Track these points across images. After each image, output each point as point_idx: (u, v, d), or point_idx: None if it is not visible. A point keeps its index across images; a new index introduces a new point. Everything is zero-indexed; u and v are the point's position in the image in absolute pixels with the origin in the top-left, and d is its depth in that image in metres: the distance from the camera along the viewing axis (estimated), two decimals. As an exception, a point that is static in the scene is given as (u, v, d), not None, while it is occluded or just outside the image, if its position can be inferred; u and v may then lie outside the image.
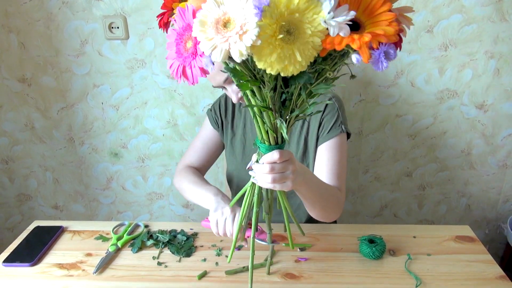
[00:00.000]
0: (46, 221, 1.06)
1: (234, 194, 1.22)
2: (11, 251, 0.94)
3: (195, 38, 0.51)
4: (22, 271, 0.89)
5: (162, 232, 1.00)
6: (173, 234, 1.00)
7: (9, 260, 0.91)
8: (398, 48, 0.54)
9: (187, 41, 0.53)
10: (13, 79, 1.49)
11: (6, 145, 1.60)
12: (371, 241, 0.91)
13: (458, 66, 1.40)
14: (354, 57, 0.51)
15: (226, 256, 0.92)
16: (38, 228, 1.03)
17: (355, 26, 0.51)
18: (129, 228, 1.02)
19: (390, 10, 0.51)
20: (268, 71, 0.50)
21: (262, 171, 0.68)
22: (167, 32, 0.61)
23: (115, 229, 1.02)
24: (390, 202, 1.67)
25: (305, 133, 1.05)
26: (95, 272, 0.87)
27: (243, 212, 0.76)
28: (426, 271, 0.86)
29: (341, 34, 0.49)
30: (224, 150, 1.18)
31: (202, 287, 0.84)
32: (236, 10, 0.48)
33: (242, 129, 1.11)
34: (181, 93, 1.49)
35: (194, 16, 0.52)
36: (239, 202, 0.80)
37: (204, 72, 0.53)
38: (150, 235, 0.99)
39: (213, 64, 0.51)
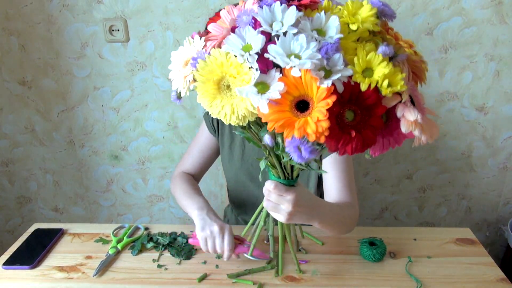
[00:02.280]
0: (46, 224, 1.06)
1: (232, 199, 1.21)
2: (11, 253, 0.94)
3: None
4: (22, 273, 0.89)
5: (162, 234, 1.00)
6: (173, 236, 1.00)
7: (9, 262, 0.91)
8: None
9: None
10: (13, 82, 1.49)
11: (7, 148, 1.60)
12: (372, 243, 0.91)
13: (458, 69, 1.41)
14: (266, 137, 0.57)
15: (226, 259, 0.92)
16: (38, 230, 1.03)
17: (305, 106, 0.51)
18: (129, 231, 1.02)
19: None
20: (209, 110, 0.57)
21: (265, 195, 0.72)
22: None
23: (115, 231, 1.02)
24: (390, 204, 1.66)
25: None
26: (95, 275, 0.87)
27: (257, 225, 0.80)
28: (427, 274, 0.86)
29: (260, 109, 0.51)
30: (220, 155, 1.15)
31: (202, 289, 0.83)
32: (192, 56, 0.58)
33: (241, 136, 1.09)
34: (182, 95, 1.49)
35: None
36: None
37: None
38: (150, 238, 0.99)
39: (179, 101, 0.65)
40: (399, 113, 0.52)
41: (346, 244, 0.95)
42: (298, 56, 0.50)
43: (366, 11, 0.53)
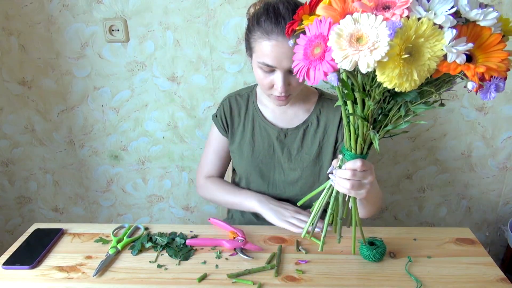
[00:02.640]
0: (46, 224, 1.06)
1: None
2: (11, 253, 0.94)
3: (326, 46, 0.60)
4: (22, 273, 0.89)
5: (161, 234, 1.00)
6: (171, 237, 0.99)
7: (9, 262, 0.91)
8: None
9: (315, 47, 0.62)
10: (13, 82, 1.49)
11: (6, 148, 1.61)
12: (372, 243, 0.91)
13: (458, 69, 1.40)
14: (470, 84, 0.58)
15: (226, 259, 0.92)
16: (38, 230, 1.03)
17: (468, 58, 0.57)
18: (129, 231, 1.02)
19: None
20: (385, 85, 0.57)
21: (343, 176, 0.75)
22: (288, 37, 0.74)
23: (115, 231, 1.02)
24: (390, 204, 1.66)
25: (321, 136, 1.06)
26: (95, 275, 0.87)
27: (317, 211, 0.84)
28: (427, 274, 0.86)
29: (457, 61, 0.56)
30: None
31: (202, 289, 0.83)
32: (369, 29, 0.56)
33: (250, 131, 1.10)
34: (181, 95, 1.49)
35: (329, 28, 0.60)
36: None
37: (326, 75, 0.61)
38: (150, 238, 0.99)
39: (338, 81, 0.60)
40: None
41: (346, 244, 0.95)
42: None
43: None
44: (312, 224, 0.86)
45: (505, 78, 0.60)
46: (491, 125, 1.49)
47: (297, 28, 0.71)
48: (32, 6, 1.37)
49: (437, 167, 1.58)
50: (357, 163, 0.73)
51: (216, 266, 0.90)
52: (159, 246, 0.96)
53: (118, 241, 0.97)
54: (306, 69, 0.63)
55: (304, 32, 0.66)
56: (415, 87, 0.57)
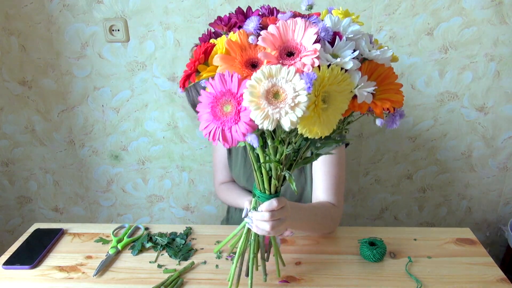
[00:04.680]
0: (46, 224, 1.06)
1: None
2: (11, 253, 0.94)
3: (238, 104, 0.55)
4: (22, 273, 0.89)
5: (161, 235, 1.00)
6: (172, 237, 1.00)
7: (9, 262, 0.91)
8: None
9: (224, 104, 0.57)
10: (13, 82, 1.49)
11: (7, 148, 1.61)
12: (372, 243, 0.91)
13: (458, 69, 1.40)
14: (378, 121, 0.61)
15: (226, 259, 0.92)
16: (38, 230, 1.03)
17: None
18: (129, 231, 1.02)
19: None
20: (305, 135, 0.55)
21: (261, 219, 0.71)
22: (182, 90, 0.64)
23: (115, 231, 1.02)
24: (390, 204, 1.66)
25: None
26: (95, 275, 0.87)
27: (237, 257, 0.79)
28: (427, 274, 0.86)
29: (367, 101, 0.58)
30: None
31: (202, 289, 0.83)
32: (284, 83, 0.53)
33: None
34: (182, 95, 1.49)
35: (239, 85, 0.55)
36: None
37: (245, 136, 0.56)
38: (150, 238, 0.99)
39: (258, 141, 0.56)
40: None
41: (346, 244, 0.95)
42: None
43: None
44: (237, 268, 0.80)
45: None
46: (491, 125, 1.49)
47: (195, 81, 0.61)
48: (32, 6, 1.37)
49: (438, 167, 1.58)
50: (273, 204, 0.70)
51: (216, 266, 0.90)
52: (159, 246, 0.96)
53: (118, 241, 0.97)
54: (221, 131, 0.56)
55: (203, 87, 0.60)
56: (332, 130, 0.56)
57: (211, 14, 1.36)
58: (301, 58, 0.55)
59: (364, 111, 0.59)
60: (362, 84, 0.58)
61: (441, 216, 1.68)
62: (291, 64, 0.55)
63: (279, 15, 0.61)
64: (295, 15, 0.61)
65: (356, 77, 0.58)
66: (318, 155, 0.68)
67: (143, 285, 0.85)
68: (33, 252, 0.94)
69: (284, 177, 0.71)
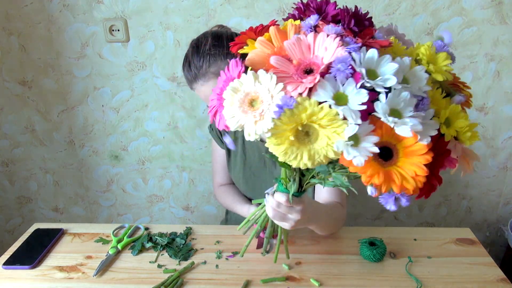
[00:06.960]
0: (46, 224, 1.06)
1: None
2: (11, 253, 0.94)
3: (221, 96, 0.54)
4: (22, 273, 0.89)
5: (161, 235, 1.00)
6: (172, 237, 0.99)
7: (9, 262, 0.91)
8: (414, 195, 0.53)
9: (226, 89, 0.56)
10: (13, 82, 1.49)
11: (7, 148, 1.61)
12: (372, 243, 0.91)
13: (458, 69, 1.40)
14: (369, 189, 0.50)
15: (226, 259, 0.92)
16: (38, 230, 1.03)
17: (387, 150, 0.50)
18: (129, 231, 1.02)
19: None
20: (289, 162, 0.51)
21: (269, 203, 0.74)
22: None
23: (115, 231, 1.02)
24: (390, 204, 1.66)
25: None
26: (95, 275, 0.87)
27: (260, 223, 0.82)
28: (427, 274, 0.86)
29: (354, 163, 0.47)
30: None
31: (202, 289, 0.83)
32: (266, 94, 0.50)
33: (241, 145, 1.11)
34: (182, 95, 1.49)
35: (239, 76, 0.54)
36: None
37: (228, 128, 0.54)
38: (150, 238, 0.99)
39: (234, 146, 0.54)
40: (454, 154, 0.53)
41: (346, 244, 0.95)
42: (398, 113, 0.48)
43: (441, 60, 0.53)
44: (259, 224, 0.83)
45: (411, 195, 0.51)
46: (491, 125, 1.49)
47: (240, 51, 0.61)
48: (32, 6, 1.37)
49: (437, 167, 1.58)
50: (282, 198, 0.71)
51: (217, 266, 0.90)
52: (159, 246, 0.96)
53: (118, 241, 0.97)
54: (215, 110, 0.56)
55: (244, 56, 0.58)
56: (308, 166, 0.51)
57: (211, 14, 1.36)
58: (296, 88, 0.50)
59: (352, 170, 0.49)
60: (363, 137, 0.48)
61: (441, 216, 1.68)
62: (300, 78, 0.50)
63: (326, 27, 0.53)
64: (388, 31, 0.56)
65: (349, 131, 0.47)
66: (329, 184, 0.64)
67: (143, 285, 0.85)
68: (33, 252, 0.94)
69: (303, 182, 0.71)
